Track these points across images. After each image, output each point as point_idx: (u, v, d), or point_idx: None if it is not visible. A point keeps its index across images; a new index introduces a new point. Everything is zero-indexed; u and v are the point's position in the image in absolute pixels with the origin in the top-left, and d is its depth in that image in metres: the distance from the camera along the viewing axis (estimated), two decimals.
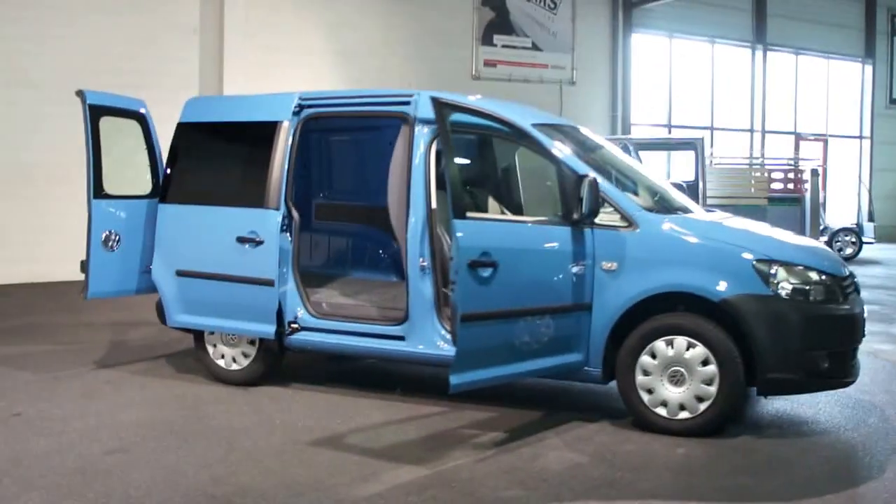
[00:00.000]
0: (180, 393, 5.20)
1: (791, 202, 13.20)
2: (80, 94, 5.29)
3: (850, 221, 16.18)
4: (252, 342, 5.30)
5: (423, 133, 4.79)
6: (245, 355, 5.35)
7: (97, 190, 5.33)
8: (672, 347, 4.28)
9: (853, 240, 14.28)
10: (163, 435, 4.34)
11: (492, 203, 5.39)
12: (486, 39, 14.26)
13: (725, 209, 13.43)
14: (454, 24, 13.97)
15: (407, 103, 4.91)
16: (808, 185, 13.35)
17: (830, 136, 19.33)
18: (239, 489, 3.58)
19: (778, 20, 17.81)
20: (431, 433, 4.42)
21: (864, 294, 4.88)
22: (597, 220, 4.40)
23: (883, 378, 5.67)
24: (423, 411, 4.79)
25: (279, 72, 12.26)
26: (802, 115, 18.90)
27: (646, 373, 4.34)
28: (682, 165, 13.56)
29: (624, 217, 4.39)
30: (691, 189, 12.56)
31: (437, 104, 3.80)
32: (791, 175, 13.70)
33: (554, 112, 14.87)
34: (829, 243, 14.03)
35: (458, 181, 3.81)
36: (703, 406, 4.25)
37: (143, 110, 5.61)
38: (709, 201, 13.46)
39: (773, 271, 4.19)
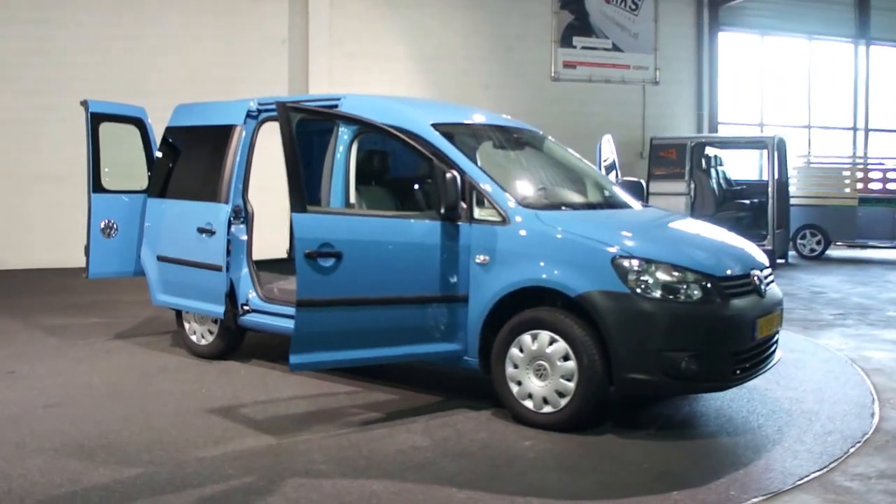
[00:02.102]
0: (153, 362, 5.93)
1: (887, 203, 12.16)
2: (83, 103, 6.16)
3: None
4: (215, 321, 5.94)
5: (344, 133, 5.17)
6: (210, 332, 6.00)
7: (96, 186, 6.19)
8: (536, 341, 4.38)
9: None
10: (101, 395, 5.05)
11: None
12: (565, 42, 14.26)
13: (813, 209, 12.77)
14: (533, 28, 14.10)
15: (335, 105, 5.32)
16: None
17: None
18: (110, 443, 4.15)
19: (883, 13, 16.24)
20: (319, 409, 4.80)
21: None
22: (476, 216, 4.60)
23: (831, 387, 5.31)
24: (336, 390, 5.19)
25: (361, 77, 13.00)
26: None
27: (515, 365, 4.46)
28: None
29: (498, 212, 4.54)
30: (760, 188, 11.97)
31: (281, 108, 4.16)
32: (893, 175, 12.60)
33: (637, 112, 14.62)
34: None
35: (299, 178, 4.14)
36: (563, 401, 4.31)
37: (141, 116, 6.42)
38: (794, 200, 12.78)
39: (632, 268, 4.17)
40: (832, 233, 13.09)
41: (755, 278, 4.52)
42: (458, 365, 4.75)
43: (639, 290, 4.15)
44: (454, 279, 4.55)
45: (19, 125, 11.34)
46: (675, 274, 4.20)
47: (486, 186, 4.59)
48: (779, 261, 12.47)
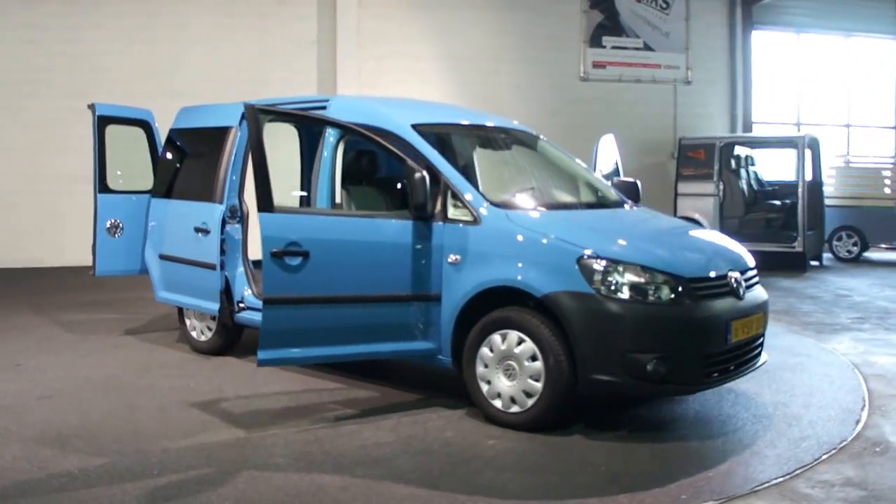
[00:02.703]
0: (154, 358, 6.10)
1: None
2: (91, 106, 6.37)
3: None
4: (213, 318, 6.07)
5: (330, 134, 5.24)
6: (209, 329, 6.15)
7: (102, 186, 6.40)
8: (505, 341, 4.37)
9: None
10: (94, 388, 5.21)
11: None
12: (595, 41, 14.13)
13: (849, 211, 12.37)
14: (562, 28, 14.00)
15: (324, 107, 5.40)
16: None
17: None
18: (88, 433, 4.28)
19: None
20: (298, 404, 4.89)
21: None
22: (450, 216, 4.62)
23: (823, 392, 5.14)
24: (320, 386, 5.26)
25: (390, 78, 13.08)
26: None
27: (485, 365, 4.46)
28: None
29: (470, 212, 4.54)
30: (793, 188, 11.66)
31: (249, 110, 4.25)
32: None
33: (668, 112, 14.36)
34: None
35: (266, 179, 4.21)
36: (530, 401, 4.29)
37: (147, 118, 6.62)
38: (831, 202, 12.45)
39: (598, 268, 4.13)
40: (869, 235, 12.67)
41: (732, 280, 4.43)
42: (433, 363, 4.77)
43: (604, 291, 4.11)
44: (427, 278, 4.57)
45: (54, 127, 11.76)
46: (644, 275, 4.15)
47: (459, 186, 4.60)
48: (812, 263, 12.15)
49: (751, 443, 4.22)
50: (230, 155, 5.80)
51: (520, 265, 4.33)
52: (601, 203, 5.36)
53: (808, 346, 6.60)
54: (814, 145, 12.01)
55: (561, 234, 4.34)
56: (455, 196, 4.60)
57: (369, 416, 4.65)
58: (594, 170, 6.15)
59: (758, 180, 12.85)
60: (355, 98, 5.64)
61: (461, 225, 4.55)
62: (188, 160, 6.26)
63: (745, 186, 12.34)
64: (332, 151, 5.23)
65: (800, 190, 11.40)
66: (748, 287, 4.62)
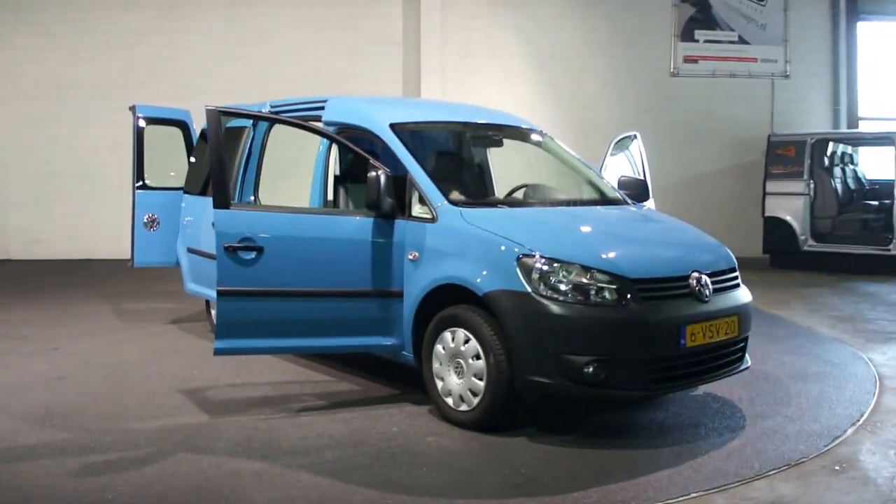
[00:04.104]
0: (178, 345, 6.48)
1: None
2: (132, 108, 6.88)
3: None
4: None
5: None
6: None
7: (140, 183, 6.88)
8: (455, 339, 4.36)
9: None
10: (104, 371, 5.60)
11: None
12: (686, 35, 13.48)
13: None
14: (651, 23, 13.46)
15: (322, 108, 5.57)
16: None
17: None
18: (72, 411, 4.64)
19: None
20: (276, 394, 5.08)
21: None
22: (414, 213, 4.65)
23: (823, 404, 4.74)
24: (312, 378, 5.44)
25: (473, 76, 13.10)
26: None
27: (440, 362, 4.47)
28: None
29: (430, 209, 4.55)
30: (886, 188, 10.68)
31: (211, 113, 4.43)
32: None
33: (764, 107, 13.48)
34: None
35: (224, 177, 4.40)
36: (475, 400, 4.26)
37: (184, 119, 7.06)
38: None
39: (536, 267, 4.03)
40: None
41: (693, 281, 4.20)
42: (401, 360, 4.82)
43: (542, 290, 4.01)
44: (388, 275, 4.63)
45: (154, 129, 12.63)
46: (585, 275, 4.02)
47: (421, 183, 4.62)
48: None
49: (701, 454, 3.97)
50: (242, 153, 6.08)
51: (466, 263, 4.30)
52: (589, 201, 5.19)
53: (843, 354, 6.08)
54: None
55: (506, 233, 4.27)
56: (420, 193, 4.63)
57: (334, 408, 4.76)
58: (600, 171, 5.94)
59: (856, 179, 11.89)
60: (347, 98, 5.73)
61: (421, 222, 4.57)
62: None
63: (839, 185, 11.45)
64: (325, 149, 5.39)
65: None
66: (721, 289, 4.36)
